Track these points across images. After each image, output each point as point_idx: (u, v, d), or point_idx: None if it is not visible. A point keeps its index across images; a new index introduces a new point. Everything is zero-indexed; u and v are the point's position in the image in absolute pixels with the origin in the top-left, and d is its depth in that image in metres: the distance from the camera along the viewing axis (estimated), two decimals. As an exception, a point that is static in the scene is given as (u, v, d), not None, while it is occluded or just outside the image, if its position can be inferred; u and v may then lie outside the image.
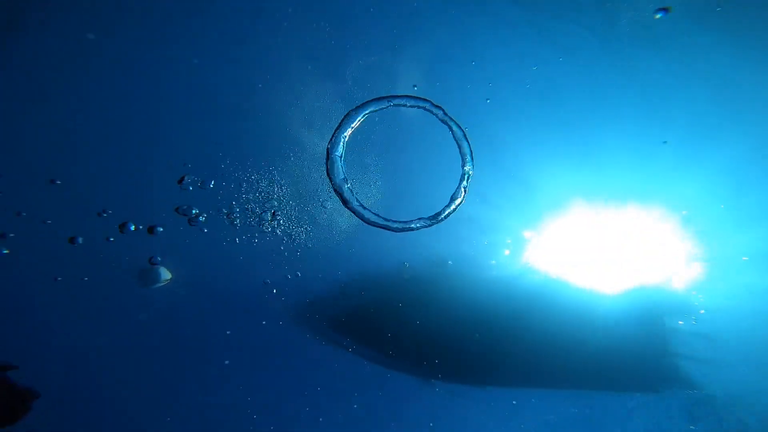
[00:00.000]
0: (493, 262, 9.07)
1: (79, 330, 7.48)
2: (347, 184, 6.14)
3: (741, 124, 8.05)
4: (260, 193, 7.22)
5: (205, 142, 6.90)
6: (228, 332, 8.16)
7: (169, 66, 6.62)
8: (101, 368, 7.94)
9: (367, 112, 6.19)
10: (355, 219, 6.82)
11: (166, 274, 7.64)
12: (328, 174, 6.11)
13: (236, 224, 7.31)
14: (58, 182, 6.55)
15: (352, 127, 6.32)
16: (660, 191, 8.75)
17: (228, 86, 6.95)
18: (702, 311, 9.39)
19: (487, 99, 8.15)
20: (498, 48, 7.75)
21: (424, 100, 6.19)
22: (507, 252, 8.87)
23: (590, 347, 9.74)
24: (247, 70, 6.97)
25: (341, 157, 6.08)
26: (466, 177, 6.45)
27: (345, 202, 6.20)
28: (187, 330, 7.98)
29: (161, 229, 6.91)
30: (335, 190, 6.14)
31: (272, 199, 7.22)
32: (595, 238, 9.32)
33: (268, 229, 7.33)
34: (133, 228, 6.78)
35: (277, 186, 7.13)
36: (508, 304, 9.10)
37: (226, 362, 8.42)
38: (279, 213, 7.29)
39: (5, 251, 6.80)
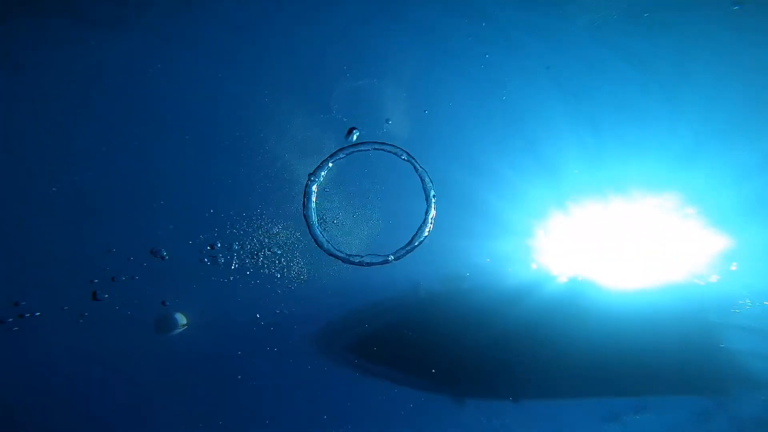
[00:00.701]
0: (510, 269, 8.67)
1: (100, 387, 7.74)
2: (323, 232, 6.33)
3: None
4: (258, 228, 7.28)
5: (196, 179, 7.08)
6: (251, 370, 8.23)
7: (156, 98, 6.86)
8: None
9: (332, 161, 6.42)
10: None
11: (182, 319, 7.77)
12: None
13: (242, 260, 7.40)
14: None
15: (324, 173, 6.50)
16: (678, 181, 8.18)
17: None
18: (747, 303, 8.56)
19: (504, 97, 8.08)
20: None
21: (390, 145, 6.81)
22: (525, 257, 8.50)
23: (634, 349, 9.07)
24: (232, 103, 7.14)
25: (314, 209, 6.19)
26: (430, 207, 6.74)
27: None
28: (210, 372, 8.10)
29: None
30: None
31: (269, 234, 7.27)
32: (614, 233, 8.80)
33: (264, 265, 7.36)
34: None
35: (270, 222, 7.19)
36: (534, 311, 8.66)
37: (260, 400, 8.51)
38: (277, 247, 7.31)
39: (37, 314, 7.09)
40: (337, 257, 6.83)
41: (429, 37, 7.89)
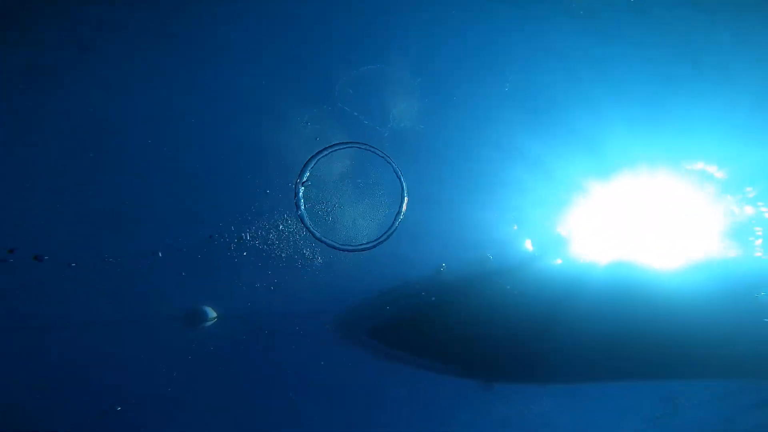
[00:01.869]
0: (537, 251, 8.33)
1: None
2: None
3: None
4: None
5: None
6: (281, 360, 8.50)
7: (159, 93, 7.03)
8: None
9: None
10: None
11: (211, 312, 8.06)
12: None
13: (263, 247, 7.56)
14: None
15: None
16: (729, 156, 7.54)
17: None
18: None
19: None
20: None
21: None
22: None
23: (679, 331, 8.53)
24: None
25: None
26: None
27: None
28: (237, 362, 8.44)
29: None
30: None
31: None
32: (657, 210, 8.24)
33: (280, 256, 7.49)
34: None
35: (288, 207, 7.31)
36: (561, 292, 8.29)
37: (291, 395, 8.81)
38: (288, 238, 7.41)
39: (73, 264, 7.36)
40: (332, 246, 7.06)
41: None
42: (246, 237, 7.52)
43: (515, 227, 8.26)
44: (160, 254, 7.51)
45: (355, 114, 7.59)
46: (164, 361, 7.91)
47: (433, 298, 8.22)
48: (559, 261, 8.50)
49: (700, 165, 8.19)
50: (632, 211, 8.44)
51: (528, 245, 8.39)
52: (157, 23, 6.78)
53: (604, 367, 8.95)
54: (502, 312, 8.31)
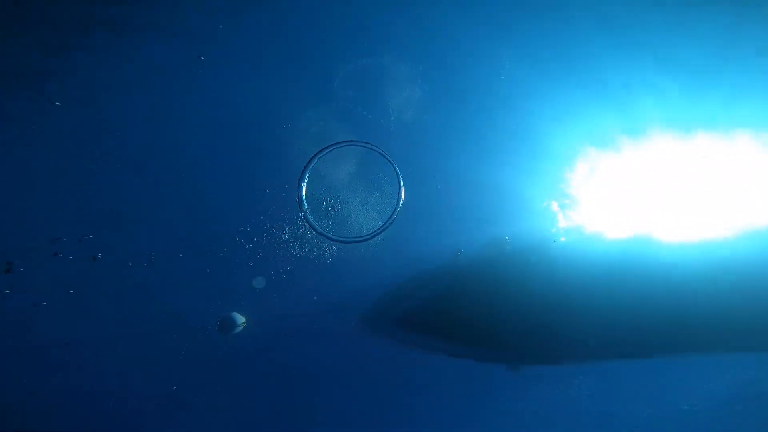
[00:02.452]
0: (554, 230, 8.28)
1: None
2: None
3: None
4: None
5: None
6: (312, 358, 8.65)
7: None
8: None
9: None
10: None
11: (240, 318, 8.28)
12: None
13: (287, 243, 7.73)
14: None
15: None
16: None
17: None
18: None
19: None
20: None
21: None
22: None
23: (707, 305, 8.31)
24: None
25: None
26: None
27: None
28: (270, 362, 8.63)
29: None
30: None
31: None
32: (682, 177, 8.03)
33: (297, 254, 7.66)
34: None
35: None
36: (586, 270, 8.20)
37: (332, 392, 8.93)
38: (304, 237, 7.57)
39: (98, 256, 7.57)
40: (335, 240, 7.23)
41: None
42: (257, 240, 7.69)
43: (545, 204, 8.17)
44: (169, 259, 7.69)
45: (359, 110, 7.75)
46: (198, 367, 8.17)
47: (454, 284, 8.24)
48: (583, 235, 8.38)
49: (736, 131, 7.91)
50: (664, 180, 8.21)
51: (547, 221, 8.33)
52: (154, 22, 6.95)
53: (634, 345, 8.77)
54: (525, 293, 8.26)
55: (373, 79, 7.58)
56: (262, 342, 8.47)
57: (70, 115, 6.85)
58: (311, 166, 7.01)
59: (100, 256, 7.18)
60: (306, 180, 7.03)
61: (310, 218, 6.92)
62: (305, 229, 7.46)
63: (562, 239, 8.23)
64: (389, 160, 7.34)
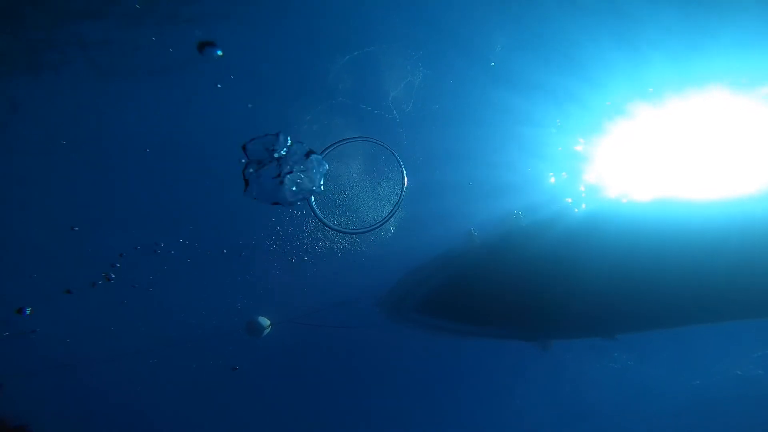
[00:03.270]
0: (569, 200, 8.05)
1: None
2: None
3: None
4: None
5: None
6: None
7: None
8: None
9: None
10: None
11: (265, 322, 8.56)
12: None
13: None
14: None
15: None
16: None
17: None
18: None
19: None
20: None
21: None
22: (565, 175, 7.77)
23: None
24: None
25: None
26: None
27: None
28: (300, 358, 8.89)
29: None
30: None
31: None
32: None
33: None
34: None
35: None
36: (603, 240, 7.91)
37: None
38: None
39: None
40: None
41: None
42: (269, 243, 7.86)
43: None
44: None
45: (357, 103, 7.80)
46: (226, 370, 8.55)
47: (470, 265, 8.14)
48: (597, 203, 8.10)
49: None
50: (678, 138, 7.78)
51: (559, 192, 8.10)
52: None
53: (670, 312, 8.40)
54: (544, 266, 8.06)
55: (368, 71, 7.59)
56: (290, 340, 8.74)
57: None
58: None
59: (118, 265, 7.60)
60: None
61: (319, 214, 7.03)
62: (316, 225, 7.60)
63: (576, 210, 7.98)
64: (388, 149, 7.38)
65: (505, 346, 8.56)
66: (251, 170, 5.18)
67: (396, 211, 7.07)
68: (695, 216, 7.86)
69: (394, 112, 8.02)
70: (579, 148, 7.97)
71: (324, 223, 7.21)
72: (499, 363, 8.88)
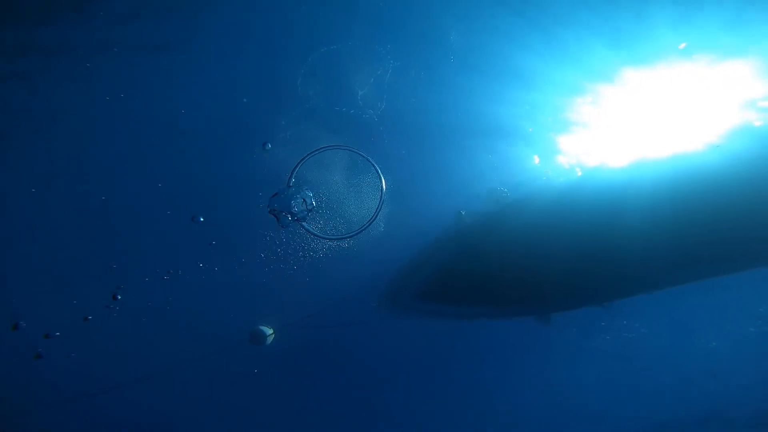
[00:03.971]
0: (549, 171, 8.14)
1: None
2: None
3: None
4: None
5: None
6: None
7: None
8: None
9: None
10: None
11: (267, 330, 8.67)
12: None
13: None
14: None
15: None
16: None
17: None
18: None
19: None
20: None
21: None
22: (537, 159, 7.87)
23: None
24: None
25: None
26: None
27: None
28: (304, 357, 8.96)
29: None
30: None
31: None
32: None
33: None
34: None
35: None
36: (589, 207, 7.95)
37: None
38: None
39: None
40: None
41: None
42: (262, 251, 7.98)
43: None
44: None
45: (338, 108, 7.99)
46: (238, 377, 8.66)
47: (462, 247, 8.20)
48: (580, 172, 8.16)
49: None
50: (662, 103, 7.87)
51: (542, 164, 8.17)
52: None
53: (668, 274, 8.36)
54: (535, 240, 8.08)
55: (336, 70, 7.75)
56: (294, 344, 8.84)
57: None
58: (294, 179, 7.24)
59: (122, 286, 7.79)
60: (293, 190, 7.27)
61: (309, 227, 7.24)
62: (305, 236, 7.73)
63: (559, 181, 8.06)
64: (362, 154, 7.53)
65: (506, 325, 8.58)
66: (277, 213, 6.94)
67: (378, 214, 7.22)
68: (679, 169, 7.86)
69: (370, 112, 8.19)
70: (553, 120, 8.09)
71: (314, 234, 7.38)
72: (503, 342, 8.88)
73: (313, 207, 7.24)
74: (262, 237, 7.88)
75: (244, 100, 7.52)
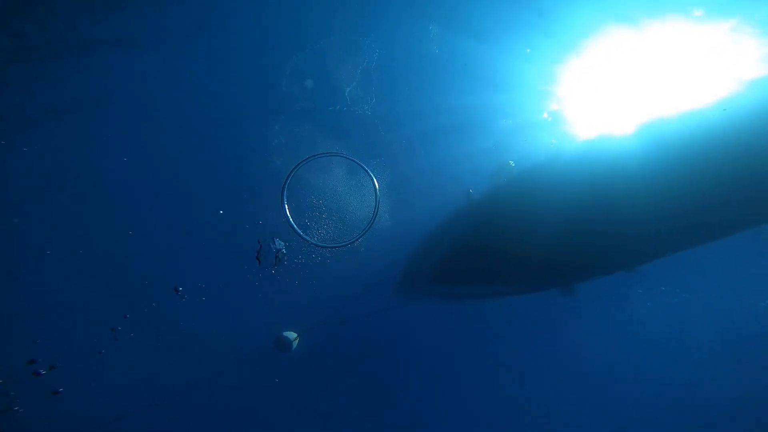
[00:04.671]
0: (554, 141, 7.82)
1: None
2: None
3: None
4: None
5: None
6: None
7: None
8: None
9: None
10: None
11: (291, 335, 8.73)
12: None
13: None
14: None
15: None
16: None
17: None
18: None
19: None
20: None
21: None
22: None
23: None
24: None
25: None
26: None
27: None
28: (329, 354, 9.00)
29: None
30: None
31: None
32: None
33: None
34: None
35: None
36: (600, 172, 7.58)
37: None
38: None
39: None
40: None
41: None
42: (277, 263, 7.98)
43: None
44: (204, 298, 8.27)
45: (331, 108, 7.90)
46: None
47: (473, 226, 7.96)
48: (591, 136, 7.80)
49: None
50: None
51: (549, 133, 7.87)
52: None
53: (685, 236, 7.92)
54: (547, 211, 7.73)
55: (323, 67, 7.66)
56: (320, 345, 8.89)
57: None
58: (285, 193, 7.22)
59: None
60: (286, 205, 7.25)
61: (308, 238, 7.28)
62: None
63: (566, 149, 7.73)
64: (349, 158, 7.46)
65: (526, 300, 8.34)
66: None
67: (375, 216, 7.16)
68: (687, 128, 7.43)
69: (364, 107, 8.06)
70: (553, 88, 7.78)
71: (320, 246, 7.39)
72: (527, 318, 8.66)
73: (284, 255, 7.58)
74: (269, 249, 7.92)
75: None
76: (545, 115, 7.91)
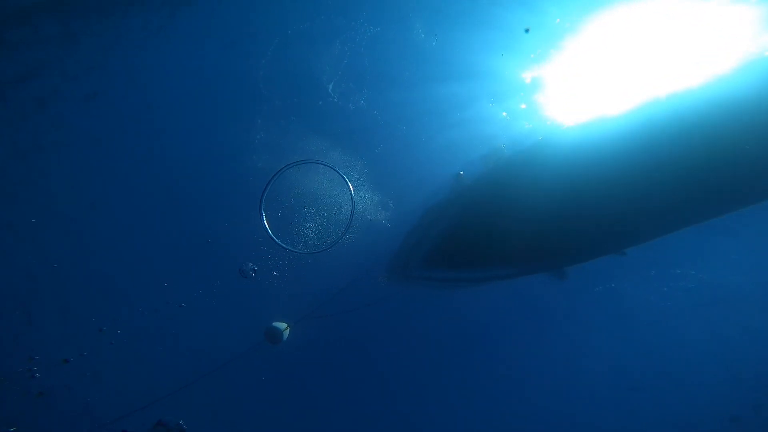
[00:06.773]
0: (549, 123, 7.84)
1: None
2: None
3: None
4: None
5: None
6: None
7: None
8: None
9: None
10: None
11: (281, 326, 8.63)
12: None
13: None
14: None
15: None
16: None
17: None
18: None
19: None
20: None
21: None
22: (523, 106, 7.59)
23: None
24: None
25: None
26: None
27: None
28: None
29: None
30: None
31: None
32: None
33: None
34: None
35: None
36: (592, 154, 7.61)
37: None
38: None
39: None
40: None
41: None
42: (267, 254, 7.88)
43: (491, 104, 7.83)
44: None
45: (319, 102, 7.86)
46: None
47: (465, 210, 7.93)
48: (578, 121, 7.85)
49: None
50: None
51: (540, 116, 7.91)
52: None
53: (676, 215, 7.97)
54: (541, 192, 7.70)
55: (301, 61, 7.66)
56: (312, 337, 8.82)
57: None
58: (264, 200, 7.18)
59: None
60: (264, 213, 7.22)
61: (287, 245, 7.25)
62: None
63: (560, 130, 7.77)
64: (324, 164, 7.47)
65: (519, 284, 8.33)
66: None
67: (351, 221, 7.17)
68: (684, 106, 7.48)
69: (354, 99, 8.06)
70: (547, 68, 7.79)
71: (298, 252, 7.36)
72: (520, 302, 8.66)
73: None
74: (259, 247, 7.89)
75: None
76: (534, 98, 7.95)
